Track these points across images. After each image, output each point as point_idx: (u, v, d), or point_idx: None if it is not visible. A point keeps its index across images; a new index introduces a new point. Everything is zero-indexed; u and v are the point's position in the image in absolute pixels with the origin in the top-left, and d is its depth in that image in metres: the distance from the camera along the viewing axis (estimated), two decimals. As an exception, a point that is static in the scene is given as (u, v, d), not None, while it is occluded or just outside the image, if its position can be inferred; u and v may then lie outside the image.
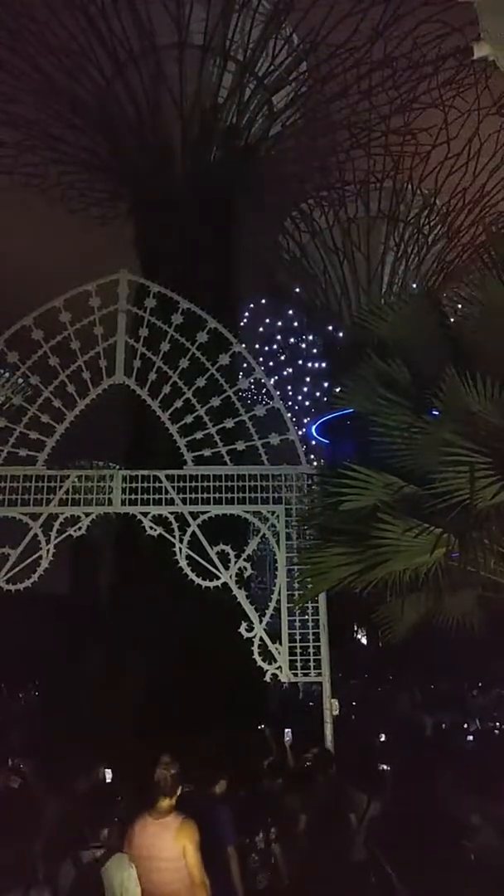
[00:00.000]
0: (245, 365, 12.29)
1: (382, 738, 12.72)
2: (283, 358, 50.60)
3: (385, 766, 8.97)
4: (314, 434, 47.74)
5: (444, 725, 17.78)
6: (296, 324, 46.90)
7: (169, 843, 4.59)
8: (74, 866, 4.53)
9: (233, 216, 26.84)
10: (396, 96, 28.26)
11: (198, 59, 25.48)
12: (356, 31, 25.39)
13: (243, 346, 12.07)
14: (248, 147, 27.16)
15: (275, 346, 49.75)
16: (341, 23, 25.15)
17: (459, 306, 6.61)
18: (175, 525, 10.64)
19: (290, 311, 46.42)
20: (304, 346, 48.55)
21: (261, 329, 44.35)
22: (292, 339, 48.80)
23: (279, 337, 49.06)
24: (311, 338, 47.09)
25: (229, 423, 11.18)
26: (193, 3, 24.71)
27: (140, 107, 26.38)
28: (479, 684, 31.22)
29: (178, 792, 4.88)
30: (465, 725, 18.99)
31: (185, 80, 25.50)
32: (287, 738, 8.79)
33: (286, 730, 9.25)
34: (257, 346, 42.63)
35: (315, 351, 47.30)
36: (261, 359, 42.48)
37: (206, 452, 11.11)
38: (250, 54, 26.06)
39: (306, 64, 26.93)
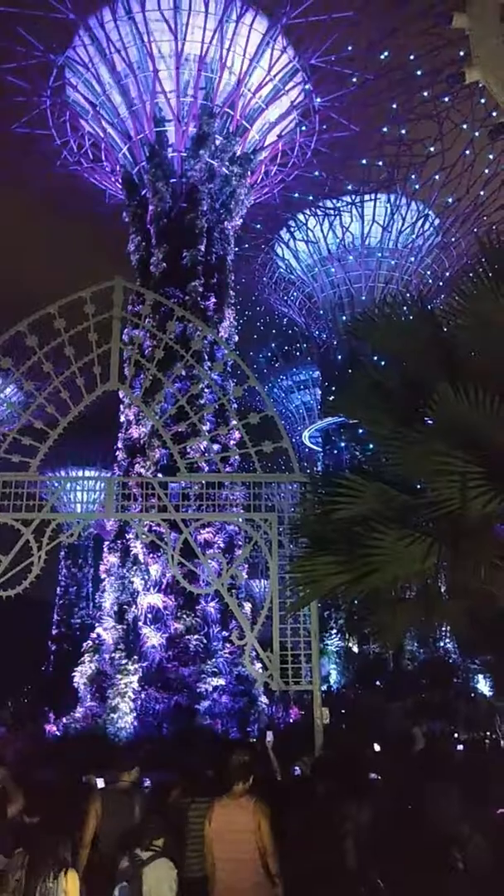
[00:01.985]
0: (239, 372, 12.31)
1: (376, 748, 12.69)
2: (277, 365, 50.72)
3: (375, 776, 8.95)
4: (307, 442, 47.83)
5: (434, 734, 17.78)
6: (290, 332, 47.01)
7: (247, 818, 5.61)
8: (130, 862, 5.09)
9: (227, 223, 26.94)
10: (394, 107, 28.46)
11: (195, 69, 25.67)
12: (354, 42, 25.59)
13: (237, 352, 12.12)
14: (245, 156, 27.30)
15: (269, 354, 49.86)
16: (339, 34, 25.37)
17: (453, 316, 6.63)
18: (168, 532, 10.63)
19: (286, 320, 46.53)
20: (298, 353, 48.68)
21: (255, 336, 44.44)
22: (286, 348, 48.93)
23: (273, 345, 49.20)
24: (305, 346, 47.22)
25: (223, 431, 11.18)
26: (191, 15, 24.89)
27: (137, 116, 26.52)
28: (472, 695, 31.23)
29: (250, 778, 5.79)
30: (455, 734, 19.00)
31: (181, 91, 25.67)
32: (268, 740, 8.75)
33: (268, 732, 9.22)
34: (251, 353, 42.72)
35: (309, 359, 47.42)
36: (254, 366, 42.61)
37: (200, 461, 11.11)
38: (246, 66, 26.24)
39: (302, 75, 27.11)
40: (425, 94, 28.65)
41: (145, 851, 4.97)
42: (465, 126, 30.22)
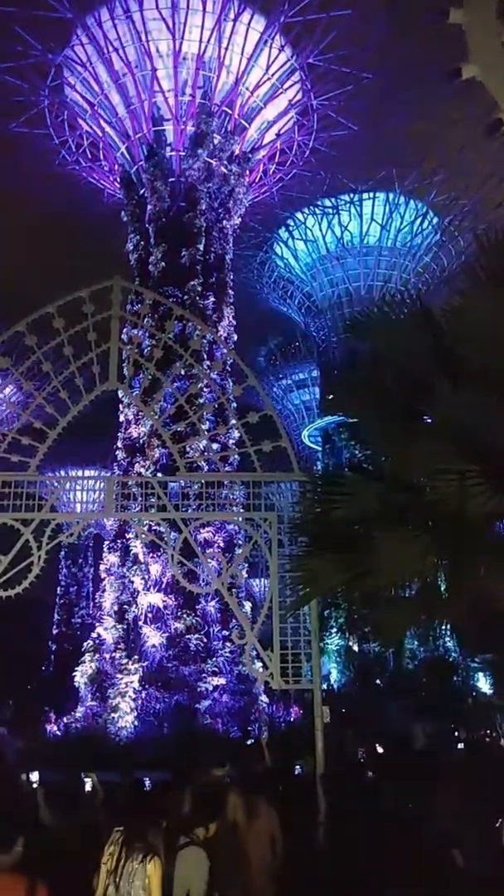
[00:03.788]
0: (238, 371, 12.30)
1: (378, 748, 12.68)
2: (276, 364, 50.71)
3: (372, 774, 8.96)
4: (307, 441, 47.82)
5: (434, 733, 17.77)
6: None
7: (267, 820, 6.30)
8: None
9: (226, 222, 26.94)
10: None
11: (193, 68, 25.66)
12: (352, 40, 25.54)
13: (236, 351, 12.10)
14: (243, 155, 27.30)
15: (268, 353, 49.79)
16: (337, 32, 25.33)
17: (451, 315, 6.62)
18: (167, 531, 10.62)
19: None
20: (297, 352, 48.64)
21: (254, 335, 44.37)
22: (286, 346, 48.85)
23: (272, 344, 49.16)
24: (304, 344, 47.19)
25: (222, 430, 11.18)
26: (189, 14, 24.86)
27: (135, 115, 26.52)
28: (473, 694, 31.24)
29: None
30: (456, 733, 19.00)
31: (179, 90, 25.67)
32: (262, 736, 8.84)
33: (263, 728, 9.32)
34: (250, 352, 42.64)
35: (309, 358, 47.40)
36: (253, 365, 42.59)
37: (200, 461, 11.10)
38: (244, 65, 26.23)
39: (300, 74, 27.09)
40: (424, 91, 28.57)
41: (185, 838, 5.36)
42: (462, 122, 30.09)
